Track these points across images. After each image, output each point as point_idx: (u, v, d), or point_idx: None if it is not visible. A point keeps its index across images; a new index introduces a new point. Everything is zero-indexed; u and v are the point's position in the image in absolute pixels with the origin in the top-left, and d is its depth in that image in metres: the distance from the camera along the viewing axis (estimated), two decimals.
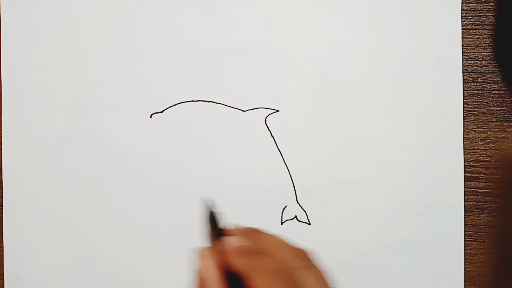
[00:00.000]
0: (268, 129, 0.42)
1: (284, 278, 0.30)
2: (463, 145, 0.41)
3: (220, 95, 0.42)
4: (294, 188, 0.42)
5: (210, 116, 0.42)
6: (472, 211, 0.41)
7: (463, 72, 0.41)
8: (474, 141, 0.41)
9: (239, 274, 0.31)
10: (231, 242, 0.32)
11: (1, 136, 0.42)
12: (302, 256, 0.33)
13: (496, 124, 0.42)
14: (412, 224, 0.41)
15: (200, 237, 0.33)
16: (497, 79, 0.42)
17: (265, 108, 0.42)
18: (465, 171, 0.41)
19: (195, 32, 0.42)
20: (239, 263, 0.31)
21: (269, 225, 0.36)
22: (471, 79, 0.42)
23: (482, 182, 0.41)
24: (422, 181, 0.41)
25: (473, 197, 0.41)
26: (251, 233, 0.34)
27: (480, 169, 0.41)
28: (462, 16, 0.41)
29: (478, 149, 0.41)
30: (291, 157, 0.42)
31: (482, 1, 0.42)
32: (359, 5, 0.41)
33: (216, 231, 0.33)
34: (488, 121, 0.41)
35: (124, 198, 0.42)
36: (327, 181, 0.41)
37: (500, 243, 0.41)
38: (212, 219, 0.35)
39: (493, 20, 0.41)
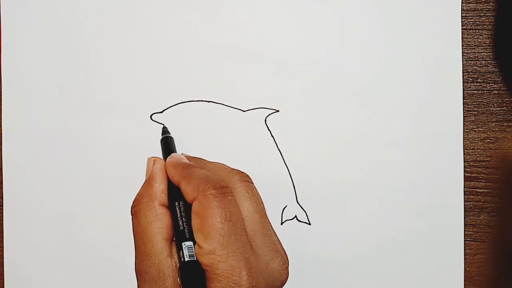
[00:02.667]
0: (268, 129, 0.42)
1: (213, 182, 0.31)
2: (463, 145, 0.41)
3: (220, 95, 0.42)
4: (294, 188, 0.42)
5: (210, 116, 0.42)
6: (472, 211, 0.41)
7: (463, 72, 0.41)
8: (474, 141, 0.41)
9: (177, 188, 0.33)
10: (172, 157, 0.35)
11: (1, 136, 0.42)
12: (240, 173, 0.34)
13: (496, 124, 0.42)
14: (412, 224, 0.41)
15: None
16: (497, 79, 0.42)
17: (265, 108, 0.42)
18: (465, 171, 0.41)
19: (195, 32, 0.42)
20: (172, 173, 0.34)
21: None
22: (471, 79, 0.42)
23: (482, 182, 0.41)
24: (422, 181, 0.41)
25: (473, 197, 0.41)
26: (196, 158, 0.37)
27: (480, 169, 0.41)
28: (462, 16, 0.41)
29: (478, 149, 0.41)
30: (291, 157, 0.42)
31: (482, 1, 0.42)
32: (359, 5, 0.41)
33: (169, 154, 0.37)
34: (488, 121, 0.42)
35: (125, 197, 0.42)
36: (327, 181, 0.41)
37: (500, 243, 0.41)
38: (167, 143, 0.38)
39: (493, 20, 0.41)
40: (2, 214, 0.42)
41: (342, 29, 0.42)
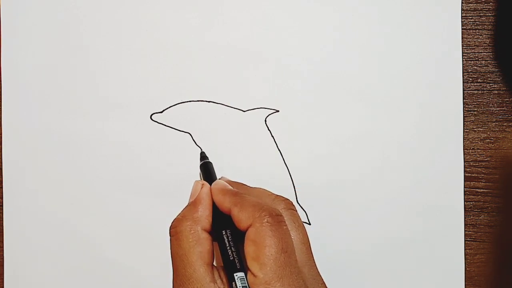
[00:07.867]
0: (268, 129, 0.42)
1: (269, 210, 0.31)
2: (463, 145, 0.41)
3: (220, 95, 0.42)
4: (294, 188, 0.42)
5: (210, 116, 0.42)
6: (472, 211, 0.41)
7: (463, 72, 0.41)
8: (474, 141, 0.41)
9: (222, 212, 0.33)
10: (217, 183, 0.35)
11: (1, 136, 0.42)
12: (285, 201, 0.34)
13: (496, 124, 0.42)
14: (412, 224, 0.41)
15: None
16: (497, 79, 0.42)
17: (265, 108, 0.42)
18: (465, 171, 0.41)
19: (195, 32, 0.42)
20: (221, 200, 0.33)
21: None
22: (471, 79, 0.42)
23: (482, 182, 0.41)
24: (422, 181, 0.41)
25: (473, 197, 0.41)
26: (238, 183, 0.37)
27: (480, 169, 0.41)
28: (462, 16, 0.41)
29: (478, 149, 0.41)
30: (291, 157, 0.42)
31: (482, 1, 0.42)
32: (359, 5, 0.41)
33: (210, 180, 0.37)
34: (488, 121, 0.42)
35: (124, 198, 0.42)
36: (327, 181, 0.41)
37: (500, 243, 0.41)
38: (207, 168, 0.38)
39: (493, 20, 0.41)
40: (2, 214, 0.42)
41: (342, 29, 0.42)
